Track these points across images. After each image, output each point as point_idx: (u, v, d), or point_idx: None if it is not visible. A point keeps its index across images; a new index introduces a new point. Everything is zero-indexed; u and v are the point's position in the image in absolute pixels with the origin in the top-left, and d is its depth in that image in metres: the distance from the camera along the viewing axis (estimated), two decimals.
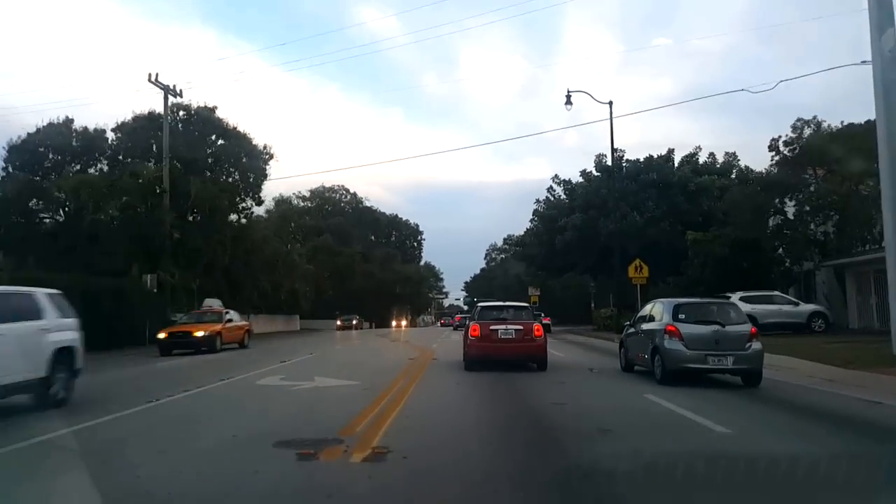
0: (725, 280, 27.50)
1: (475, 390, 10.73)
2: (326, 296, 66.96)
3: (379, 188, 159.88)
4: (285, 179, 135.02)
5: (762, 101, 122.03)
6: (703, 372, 11.04)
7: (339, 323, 57.06)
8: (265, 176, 37.82)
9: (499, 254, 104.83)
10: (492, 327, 13.75)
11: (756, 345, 10.92)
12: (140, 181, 30.92)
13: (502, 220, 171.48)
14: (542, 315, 36.81)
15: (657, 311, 12.38)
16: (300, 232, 71.45)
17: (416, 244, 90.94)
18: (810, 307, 25.46)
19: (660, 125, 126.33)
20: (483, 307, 15.55)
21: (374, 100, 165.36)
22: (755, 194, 30.22)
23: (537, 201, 46.91)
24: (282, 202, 71.26)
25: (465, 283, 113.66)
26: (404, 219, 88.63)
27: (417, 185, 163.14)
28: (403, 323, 75.85)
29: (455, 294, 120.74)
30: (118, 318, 24.50)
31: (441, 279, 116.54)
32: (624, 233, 32.96)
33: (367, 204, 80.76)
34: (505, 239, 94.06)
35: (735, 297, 25.59)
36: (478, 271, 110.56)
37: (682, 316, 11.35)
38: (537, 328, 13.94)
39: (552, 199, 45.34)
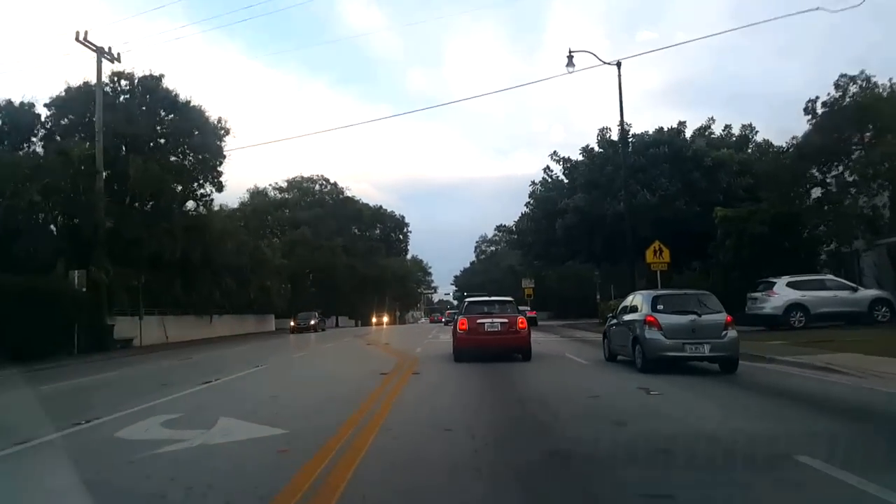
0: (764, 263, 23.54)
1: (479, 454, 5.72)
2: (308, 292, 62.43)
3: (369, 185, 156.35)
4: (263, 173, 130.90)
5: (768, 98, 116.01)
6: (682, 360, 11.25)
7: (292, 324, 46.05)
8: (223, 156, 32.92)
9: (489, 245, 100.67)
10: (479, 321, 14.45)
11: (731, 333, 11.23)
12: (73, 162, 26.23)
13: (493, 216, 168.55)
14: (528, 309, 39.03)
15: (638, 302, 12.72)
16: (277, 225, 66.97)
17: (401, 237, 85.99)
18: (871, 293, 21.54)
19: (660, 119, 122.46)
20: (470, 302, 16.36)
21: (364, 95, 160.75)
22: (792, 164, 25.95)
23: (533, 183, 42.12)
24: (257, 194, 66.94)
25: (455, 276, 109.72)
26: (389, 210, 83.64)
27: (408, 182, 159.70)
28: (385, 320, 70.92)
29: (445, 289, 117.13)
30: (33, 324, 20.17)
31: (429, 273, 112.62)
32: (634, 213, 28.40)
33: (349, 194, 75.80)
34: (497, 227, 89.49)
35: (781, 283, 21.48)
36: (468, 265, 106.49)
37: (660, 306, 11.70)
38: (521, 321, 14.59)
39: (549, 179, 40.59)
